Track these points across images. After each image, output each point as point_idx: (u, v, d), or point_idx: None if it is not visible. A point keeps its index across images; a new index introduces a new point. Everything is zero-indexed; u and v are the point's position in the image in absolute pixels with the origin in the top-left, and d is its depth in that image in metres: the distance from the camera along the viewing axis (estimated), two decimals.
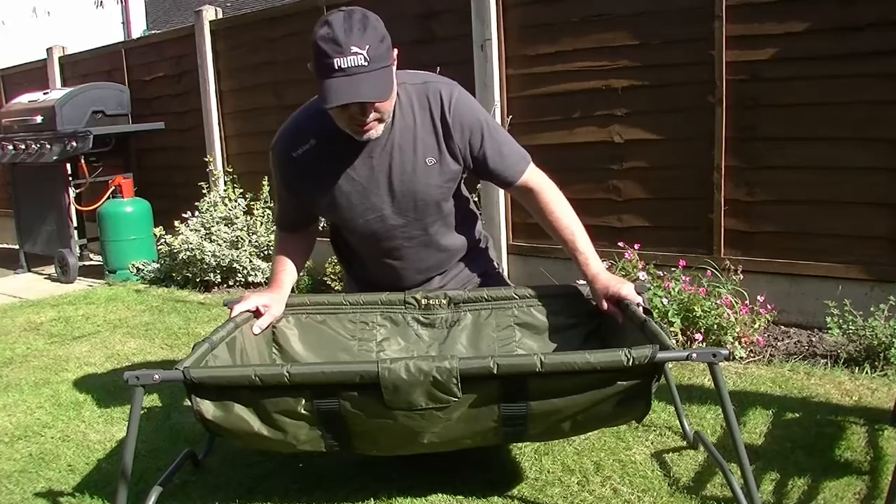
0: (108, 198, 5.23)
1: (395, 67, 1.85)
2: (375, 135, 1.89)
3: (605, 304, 1.96)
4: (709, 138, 3.28)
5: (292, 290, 2.13)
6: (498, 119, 3.74)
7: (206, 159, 5.26)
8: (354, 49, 1.72)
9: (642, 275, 3.13)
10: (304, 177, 2.01)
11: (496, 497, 1.90)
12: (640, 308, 1.88)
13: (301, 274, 2.21)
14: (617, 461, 2.05)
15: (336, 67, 1.72)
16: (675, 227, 3.45)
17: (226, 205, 4.93)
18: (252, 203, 4.91)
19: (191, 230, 4.73)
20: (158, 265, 5.06)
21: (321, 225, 2.33)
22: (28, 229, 5.75)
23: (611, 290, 1.94)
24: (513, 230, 3.99)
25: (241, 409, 1.66)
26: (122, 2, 13.39)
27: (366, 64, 1.72)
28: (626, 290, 1.92)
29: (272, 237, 4.70)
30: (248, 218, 4.83)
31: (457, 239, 2.19)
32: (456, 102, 1.96)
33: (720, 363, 1.55)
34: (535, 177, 2.05)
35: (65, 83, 6.42)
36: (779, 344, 3.01)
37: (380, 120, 1.87)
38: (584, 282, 2.08)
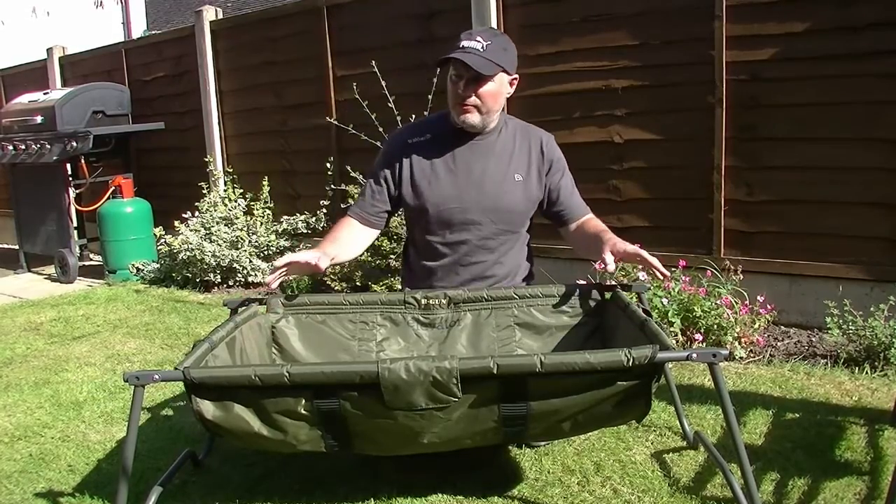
0: (108, 198, 5.23)
1: (509, 86, 2.18)
2: (471, 120, 2.15)
3: (608, 257, 1.99)
4: (709, 138, 3.28)
5: (291, 290, 2.13)
6: None
7: (206, 159, 5.27)
8: (478, 38, 2.10)
9: (642, 275, 3.12)
10: (409, 158, 2.25)
11: (496, 497, 1.90)
12: (640, 308, 1.88)
13: (291, 277, 2.22)
14: (617, 461, 2.05)
15: (459, 46, 2.09)
16: (675, 227, 3.45)
17: (226, 205, 4.93)
18: (252, 203, 4.91)
19: (191, 230, 4.73)
20: (158, 265, 5.06)
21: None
22: (28, 229, 5.75)
23: (618, 245, 2.02)
24: None
25: (241, 409, 1.66)
26: (122, 2, 13.38)
27: (481, 50, 2.08)
28: (633, 248, 2.01)
29: (272, 237, 4.71)
30: (248, 218, 4.83)
31: (514, 264, 2.30)
32: (551, 144, 2.30)
33: (720, 363, 1.55)
34: (588, 216, 2.29)
35: (65, 83, 6.42)
36: (779, 344, 3.01)
37: (479, 110, 2.14)
38: (584, 281, 2.09)
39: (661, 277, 1.97)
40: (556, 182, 2.26)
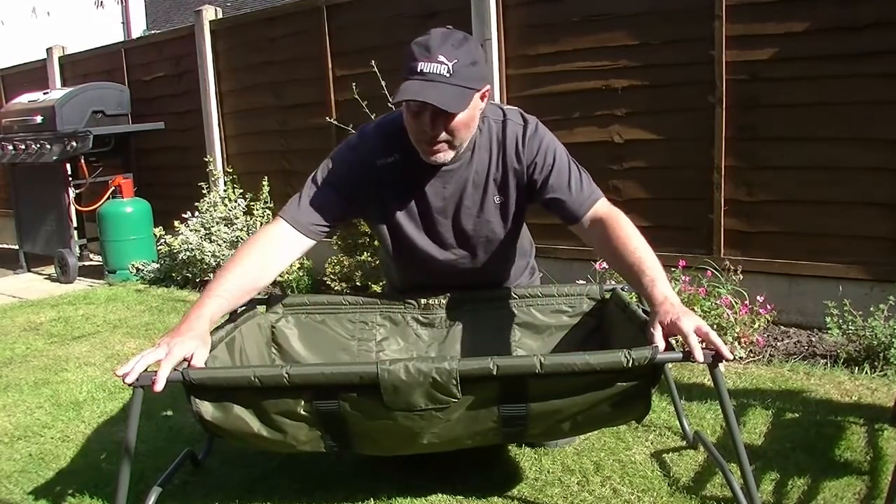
0: (108, 198, 5.23)
1: (480, 101, 1.83)
2: (443, 159, 1.86)
3: (656, 335, 1.55)
4: (709, 138, 3.28)
5: (291, 290, 2.10)
6: None
7: (206, 159, 5.27)
8: (441, 58, 1.72)
9: None
10: (378, 185, 1.96)
11: (496, 497, 1.90)
12: (640, 308, 1.88)
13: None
14: (617, 461, 2.05)
15: (417, 70, 1.72)
16: (675, 227, 3.45)
17: (226, 205, 4.93)
18: (252, 203, 4.91)
19: (191, 230, 4.73)
20: (158, 265, 5.06)
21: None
22: (28, 229, 5.75)
23: (670, 317, 1.55)
24: None
25: (241, 409, 1.65)
26: (122, 2, 13.38)
27: (447, 75, 1.72)
28: (686, 323, 1.52)
29: None
30: (248, 218, 4.83)
31: (507, 271, 2.19)
32: (530, 136, 1.93)
33: (720, 363, 1.55)
34: (604, 207, 1.90)
35: (65, 83, 6.42)
36: (778, 344, 3.01)
37: (450, 145, 1.83)
38: (584, 281, 2.08)
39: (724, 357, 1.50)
40: (544, 181, 1.92)
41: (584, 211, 1.90)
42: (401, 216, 1.99)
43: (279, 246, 1.88)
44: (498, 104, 2.06)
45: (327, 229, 1.94)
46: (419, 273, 2.14)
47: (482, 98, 1.84)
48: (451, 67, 1.72)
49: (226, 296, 1.77)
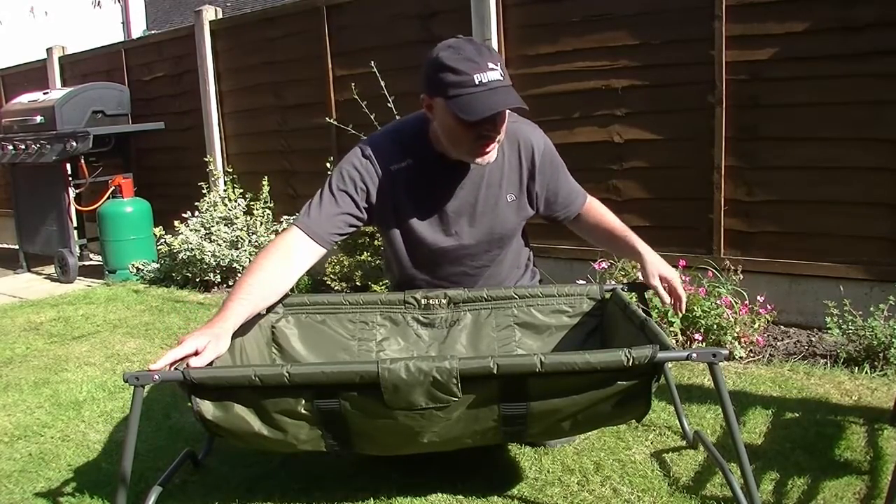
0: (108, 198, 5.23)
1: None
2: (492, 158, 1.93)
3: (655, 280, 2.03)
4: (709, 138, 3.28)
5: (291, 290, 2.09)
6: None
7: (206, 159, 5.27)
8: (490, 66, 1.80)
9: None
10: (392, 189, 2.01)
11: (496, 497, 1.90)
12: (640, 308, 1.88)
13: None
14: (617, 461, 2.05)
15: (477, 82, 1.78)
16: (675, 227, 3.45)
17: (225, 205, 4.93)
18: (252, 203, 4.91)
19: (191, 230, 4.73)
20: (158, 265, 5.06)
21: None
22: (28, 229, 5.75)
23: (661, 269, 2.04)
24: None
25: (241, 409, 1.65)
26: (121, 2, 13.38)
27: (502, 79, 1.81)
28: (671, 272, 2.03)
29: (272, 237, 4.70)
30: (248, 218, 4.83)
31: (514, 272, 2.25)
32: (543, 150, 2.08)
33: (720, 363, 1.55)
34: (589, 199, 2.25)
35: (65, 83, 6.42)
36: (778, 344, 3.01)
37: (499, 141, 1.92)
38: (584, 281, 2.09)
39: (673, 309, 2.04)
40: (554, 187, 2.13)
41: (578, 210, 2.21)
42: (416, 217, 2.05)
43: (296, 255, 1.92)
44: None
45: (342, 237, 2.02)
46: (431, 270, 2.16)
47: None
48: (500, 72, 1.81)
49: (249, 299, 1.82)
